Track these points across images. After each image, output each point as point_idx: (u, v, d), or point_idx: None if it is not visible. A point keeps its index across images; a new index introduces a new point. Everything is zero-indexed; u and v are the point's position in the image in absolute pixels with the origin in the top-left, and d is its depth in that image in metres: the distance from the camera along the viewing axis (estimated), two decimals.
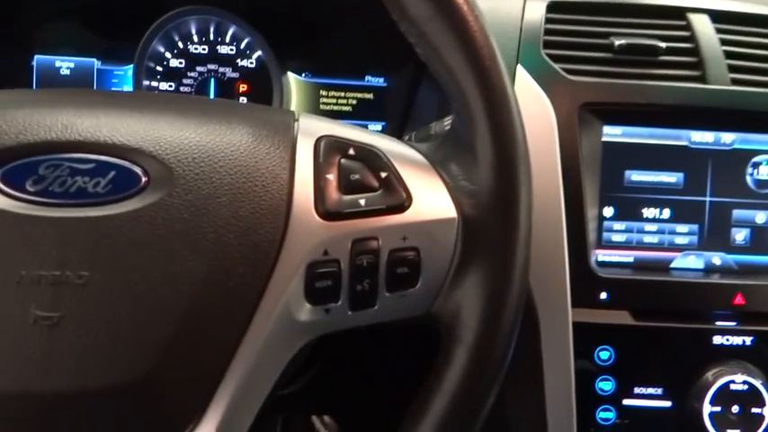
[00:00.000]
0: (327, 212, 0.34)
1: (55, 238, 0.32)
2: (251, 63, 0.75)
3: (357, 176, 0.35)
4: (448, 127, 0.48)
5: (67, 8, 0.72)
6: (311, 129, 0.37)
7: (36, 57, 0.73)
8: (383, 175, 0.36)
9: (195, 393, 0.32)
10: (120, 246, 0.32)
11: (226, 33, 0.74)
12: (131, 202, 0.33)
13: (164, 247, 0.32)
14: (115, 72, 0.74)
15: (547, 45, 0.63)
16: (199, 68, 0.74)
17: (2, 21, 0.70)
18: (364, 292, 0.35)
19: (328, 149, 0.36)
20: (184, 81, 0.74)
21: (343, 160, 0.36)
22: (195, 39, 0.74)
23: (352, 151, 0.36)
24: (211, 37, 0.74)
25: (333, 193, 0.35)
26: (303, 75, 0.77)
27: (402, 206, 0.35)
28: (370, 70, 0.77)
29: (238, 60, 0.74)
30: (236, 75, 0.75)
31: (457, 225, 0.36)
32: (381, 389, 0.69)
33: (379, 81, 0.77)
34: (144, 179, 0.33)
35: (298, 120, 0.37)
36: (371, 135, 0.39)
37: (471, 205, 0.36)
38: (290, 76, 0.76)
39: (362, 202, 0.35)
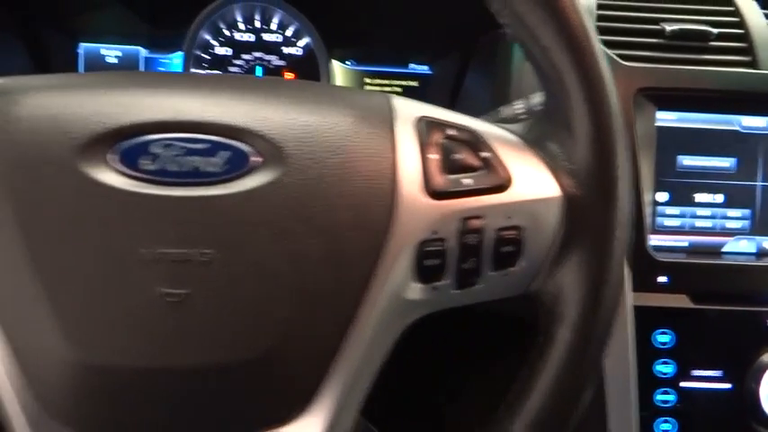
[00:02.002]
0: (435, 192, 0.34)
1: (174, 216, 0.32)
2: (297, 51, 0.75)
3: (459, 156, 0.36)
4: (537, 108, 0.48)
5: None
6: (407, 110, 0.37)
7: (82, 45, 0.73)
8: (484, 155, 0.36)
9: (312, 371, 0.33)
10: (240, 224, 0.32)
11: (271, 21, 0.74)
12: (245, 181, 0.33)
13: (280, 225, 0.32)
14: (161, 60, 0.74)
15: (600, 32, 0.63)
16: (245, 56, 0.74)
17: (49, 9, 0.70)
18: (470, 270, 0.35)
19: (429, 130, 0.36)
20: (231, 69, 0.74)
21: (444, 141, 0.36)
22: (241, 26, 0.74)
23: (451, 132, 0.36)
24: (257, 24, 0.74)
25: (437, 172, 0.35)
26: (347, 62, 0.77)
27: (505, 185, 0.36)
28: (414, 58, 0.77)
29: (284, 48, 0.75)
30: (282, 62, 0.75)
31: (559, 204, 0.36)
32: (408, 386, 0.70)
33: (423, 69, 0.77)
34: (255, 159, 0.33)
35: (391, 101, 0.38)
36: (464, 116, 0.39)
37: (572, 184, 0.36)
38: (335, 63, 0.76)
39: (468, 181, 0.35)
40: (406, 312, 0.35)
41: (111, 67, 0.73)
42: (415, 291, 0.35)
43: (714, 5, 0.66)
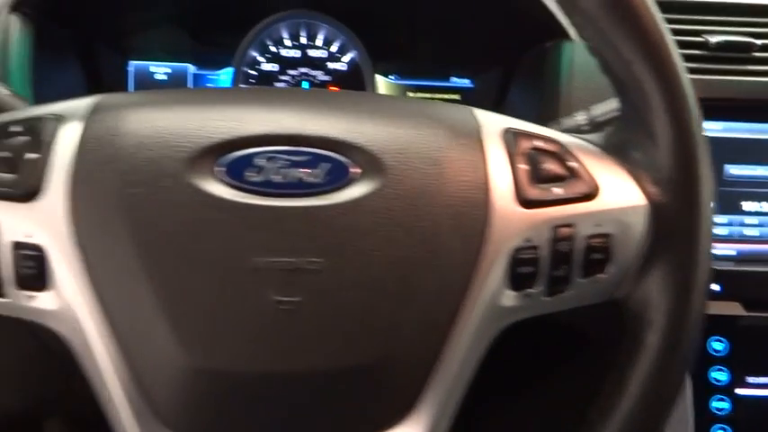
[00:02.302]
0: (526, 201, 0.35)
1: (282, 226, 0.33)
2: (342, 66, 0.76)
3: (547, 166, 0.37)
4: (605, 117, 0.49)
5: (165, 15, 0.74)
6: (492, 121, 0.38)
7: (132, 62, 0.74)
8: (571, 164, 0.37)
9: (414, 377, 0.34)
10: (345, 233, 0.33)
11: (317, 37, 0.75)
12: (347, 191, 0.34)
13: (385, 234, 0.33)
14: (209, 76, 0.76)
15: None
16: (291, 72, 0.75)
17: (103, 27, 0.71)
18: (561, 277, 0.36)
19: (516, 141, 0.37)
20: (277, 84, 0.75)
21: (531, 151, 0.37)
22: (288, 43, 0.75)
23: (537, 143, 0.37)
24: (303, 41, 0.75)
25: (528, 182, 0.36)
26: (391, 76, 0.78)
27: (593, 194, 0.37)
28: (456, 71, 0.78)
29: (329, 63, 0.76)
30: (327, 77, 0.76)
31: (645, 212, 0.37)
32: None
33: (464, 82, 0.78)
34: (355, 170, 0.34)
35: (474, 113, 0.39)
36: (543, 128, 0.40)
37: (657, 192, 0.37)
38: (378, 77, 0.77)
39: (558, 190, 0.36)
40: (499, 319, 0.36)
41: (159, 83, 0.75)
42: (509, 298, 0.36)
43: (757, 17, 0.67)
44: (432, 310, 0.34)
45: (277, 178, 0.34)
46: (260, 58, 0.75)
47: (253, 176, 0.34)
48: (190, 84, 0.75)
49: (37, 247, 0.33)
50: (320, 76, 0.76)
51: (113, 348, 0.32)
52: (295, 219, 0.33)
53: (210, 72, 0.76)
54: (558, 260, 0.36)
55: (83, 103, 0.36)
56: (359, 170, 0.34)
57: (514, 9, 0.67)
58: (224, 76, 0.76)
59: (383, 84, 0.78)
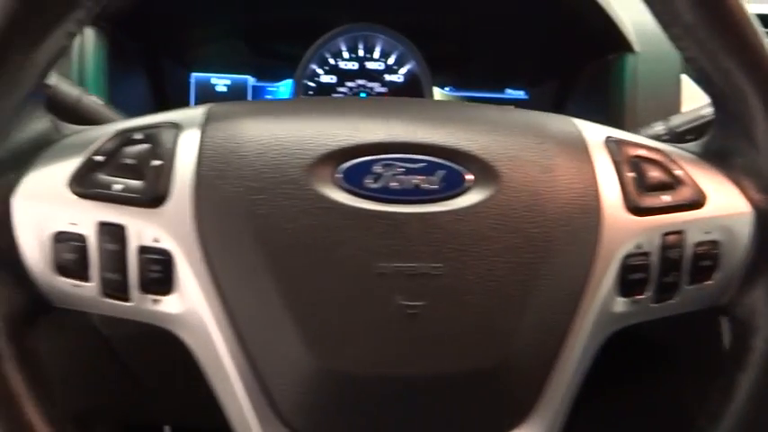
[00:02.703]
0: (637, 208, 0.36)
1: (404, 231, 0.33)
2: (398, 78, 0.77)
3: (653, 174, 0.37)
4: (686, 127, 0.50)
5: (227, 29, 0.75)
6: (593, 130, 0.39)
7: (193, 75, 0.75)
8: (676, 172, 0.38)
9: (532, 382, 0.34)
10: (465, 239, 0.33)
11: (374, 49, 0.76)
12: (463, 198, 0.34)
13: (503, 239, 0.34)
14: (268, 88, 0.77)
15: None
16: (349, 84, 0.76)
17: (168, 41, 0.73)
18: (670, 284, 0.36)
19: (619, 149, 0.38)
20: (335, 96, 0.76)
21: (635, 159, 0.37)
22: (345, 55, 0.76)
23: (641, 151, 0.38)
24: (361, 53, 0.76)
25: (635, 189, 0.36)
26: (446, 88, 0.79)
27: (701, 201, 0.37)
28: (511, 83, 0.79)
29: (386, 75, 0.77)
30: (384, 89, 0.77)
31: (751, 218, 0.37)
32: None
33: (519, 94, 0.79)
34: (469, 177, 0.35)
35: (574, 122, 0.39)
36: (638, 136, 0.41)
37: (762, 199, 0.37)
38: (434, 89, 0.78)
39: (666, 198, 0.37)
40: (609, 325, 0.36)
41: (220, 95, 0.76)
42: (619, 304, 0.36)
43: None
44: (549, 315, 0.34)
45: (394, 185, 0.34)
46: (318, 70, 0.76)
47: (371, 183, 0.34)
48: (249, 96, 0.77)
49: (164, 252, 0.33)
50: (377, 87, 0.77)
51: (237, 350, 0.33)
52: (416, 224, 0.33)
53: (270, 84, 0.77)
54: (667, 267, 0.36)
55: (196, 113, 0.37)
56: (472, 177, 0.35)
57: (577, 22, 0.68)
58: (283, 88, 0.77)
59: (439, 95, 0.79)
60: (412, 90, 0.76)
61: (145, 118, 0.38)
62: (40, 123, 0.36)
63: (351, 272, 0.33)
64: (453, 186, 0.35)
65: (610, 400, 0.69)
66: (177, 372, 0.69)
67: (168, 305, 0.34)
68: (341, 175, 0.34)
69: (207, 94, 0.76)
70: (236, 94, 0.76)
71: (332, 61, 0.76)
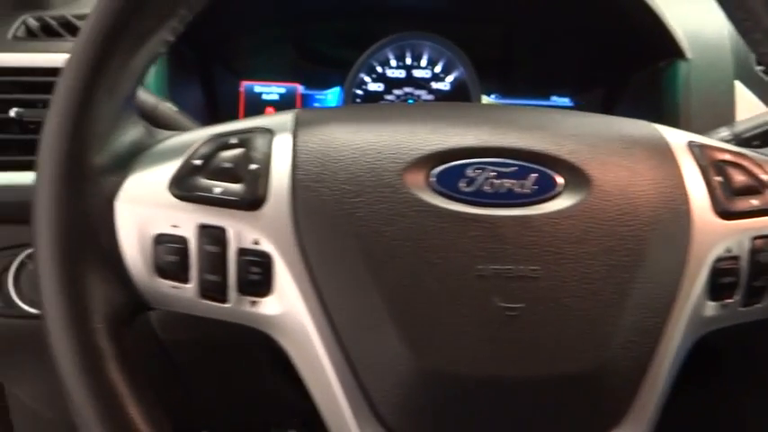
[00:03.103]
0: (726, 212, 0.36)
1: (500, 234, 0.34)
2: (445, 86, 0.77)
3: (739, 178, 0.37)
4: (753, 132, 0.50)
5: (277, 38, 0.76)
6: (675, 135, 0.39)
7: (243, 83, 0.76)
8: (762, 177, 0.38)
9: (627, 385, 0.34)
10: (559, 242, 0.34)
11: (422, 57, 0.77)
12: (557, 202, 0.35)
13: (597, 242, 0.34)
14: (317, 96, 0.78)
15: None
16: (396, 92, 0.77)
17: (221, 49, 0.74)
18: (759, 288, 0.37)
19: (705, 154, 0.38)
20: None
21: (719, 163, 0.38)
22: (393, 63, 0.77)
23: (724, 155, 0.38)
24: (408, 61, 0.77)
25: (723, 193, 0.37)
26: (491, 95, 0.79)
27: None
28: (556, 90, 0.79)
29: (433, 83, 0.77)
30: (430, 97, 0.77)
31: None
32: None
33: (564, 101, 0.80)
34: (560, 181, 0.35)
35: (655, 127, 0.40)
36: (716, 141, 0.41)
37: None
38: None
39: (755, 202, 0.37)
40: (699, 328, 0.36)
41: (269, 103, 0.77)
42: (709, 308, 0.36)
43: None
44: (644, 317, 0.34)
45: (487, 189, 0.35)
46: (366, 78, 0.76)
47: (465, 187, 0.35)
48: (298, 103, 0.77)
49: (263, 254, 0.34)
50: (424, 95, 0.78)
51: (336, 351, 0.33)
52: (511, 228, 0.34)
53: (318, 92, 0.78)
54: (757, 271, 0.36)
55: (285, 118, 0.38)
56: (563, 181, 0.35)
57: (628, 28, 0.68)
58: (331, 96, 0.78)
59: (485, 102, 0.79)
60: (459, 97, 0.77)
61: (235, 123, 0.38)
62: (135, 129, 0.37)
63: (450, 274, 0.33)
64: (546, 190, 0.35)
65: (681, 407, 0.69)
66: (225, 381, 0.69)
67: (266, 307, 0.35)
68: (434, 179, 0.35)
69: (256, 102, 0.77)
70: (285, 102, 0.77)
71: (379, 69, 0.77)
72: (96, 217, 0.34)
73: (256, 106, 0.77)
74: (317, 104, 0.78)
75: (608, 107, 0.77)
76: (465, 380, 0.33)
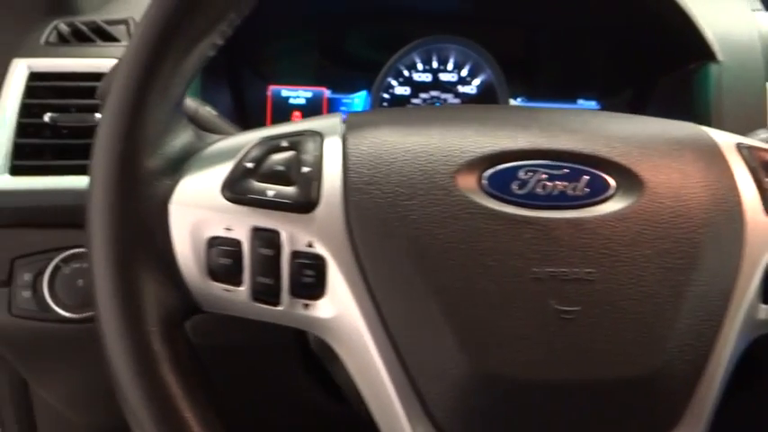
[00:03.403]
0: None
1: (555, 237, 0.34)
2: (472, 89, 0.77)
3: None
4: None
5: (304, 43, 0.76)
6: (722, 136, 0.39)
7: (270, 87, 0.77)
8: None
9: (682, 388, 0.34)
10: (615, 245, 0.34)
11: (448, 61, 0.77)
12: (609, 204, 0.35)
13: (652, 245, 0.34)
14: (343, 100, 0.78)
15: None
16: (422, 95, 0.77)
17: (249, 54, 0.74)
18: None
19: (754, 155, 0.38)
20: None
21: None
22: (419, 67, 0.77)
23: None
24: (434, 65, 0.77)
25: None
26: (517, 99, 0.79)
27: None
28: (582, 93, 0.79)
29: (459, 87, 0.77)
30: (457, 101, 0.77)
31: None
32: None
33: (591, 104, 0.79)
34: (612, 183, 0.35)
35: (703, 128, 0.40)
36: (760, 142, 0.41)
37: None
38: None
39: None
40: (752, 331, 0.36)
41: (296, 107, 0.77)
42: (762, 311, 0.36)
43: None
44: (699, 320, 0.34)
45: (540, 191, 0.35)
46: (393, 82, 0.77)
47: (517, 189, 0.35)
48: (324, 107, 0.78)
49: (316, 257, 0.34)
50: (450, 99, 0.78)
51: (389, 354, 0.33)
52: (566, 230, 0.34)
53: (345, 96, 0.78)
54: None
55: (333, 121, 0.38)
56: (615, 183, 0.35)
57: (657, 29, 0.68)
58: (357, 100, 0.78)
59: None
60: (486, 101, 0.77)
61: (283, 126, 0.38)
62: (185, 133, 0.37)
63: (505, 276, 0.33)
64: (598, 192, 0.35)
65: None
66: (249, 384, 0.69)
67: (318, 309, 0.35)
68: (486, 182, 0.35)
69: (283, 106, 0.77)
70: (311, 106, 0.77)
71: (406, 73, 0.77)
72: (150, 220, 0.34)
73: (283, 110, 0.77)
74: (343, 108, 0.78)
75: (635, 110, 0.76)
76: (520, 383, 0.33)
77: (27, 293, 0.59)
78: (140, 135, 0.33)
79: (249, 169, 0.35)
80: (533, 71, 0.80)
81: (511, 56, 0.77)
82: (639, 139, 0.37)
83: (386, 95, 0.77)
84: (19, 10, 0.69)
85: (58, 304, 0.58)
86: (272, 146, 0.36)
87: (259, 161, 0.36)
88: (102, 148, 0.33)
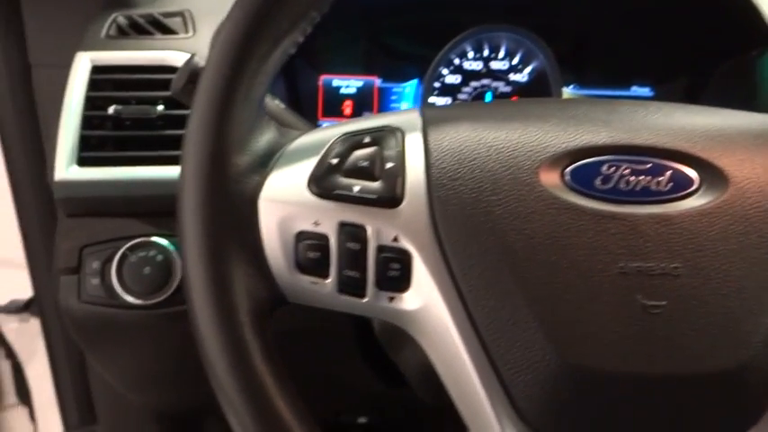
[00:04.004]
0: None
1: (641, 232, 0.34)
2: (523, 77, 0.77)
3: None
4: None
5: (355, 32, 0.77)
6: None
7: (322, 77, 0.77)
8: None
9: (766, 384, 0.34)
10: (699, 240, 0.34)
11: (499, 49, 0.77)
12: (694, 199, 0.35)
13: (739, 240, 0.34)
14: (394, 89, 0.78)
15: None
16: (473, 84, 0.77)
17: (302, 45, 0.75)
18: None
19: None
20: (459, 96, 0.77)
21: None
22: (470, 55, 0.77)
23: None
24: (485, 53, 0.77)
25: None
26: (570, 87, 0.79)
27: None
28: (635, 80, 0.78)
29: (511, 75, 0.77)
30: (508, 89, 0.77)
31: None
32: None
33: (645, 91, 0.79)
34: (696, 178, 0.35)
35: None
36: None
37: None
38: None
39: None
40: None
41: (347, 96, 0.77)
42: None
43: None
44: None
45: (623, 186, 0.35)
46: (443, 71, 0.77)
47: (600, 184, 0.35)
48: (375, 97, 0.78)
49: (402, 251, 0.35)
50: (501, 87, 0.78)
51: (474, 345, 0.34)
52: (651, 225, 0.34)
53: (395, 85, 0.78)
54: None
55: (412, 116, 0.38)
56: (699, 178, 0.35)
57: (717, 15, 0.67)
58: (408, 89, 0.78)
59: (564, 94, 0.78)
60: (537, 89, 0.77)
61: (362, 121, 0.39)
62: (269, 129, 0.38)
63: (592, 271, 0.33)
64: (681, 187, 0.35)
65: None
66: (307, 372, 0.71)
67: (403, 302, 0.36)
68: (569, 177, 0.35)
69: (335, 96, 0.78)
70: (363, 95, 0.78)
71: (456, 61, 0.77)
72: (240, 216, 0.35)
73: (335, 100, 0.78)
74: (394, 98, 0.78)
75: (691, 97, 0.75)
76: (606, 376, 0.33)
77: (96, 281, 0.61)
78: (229, 134, 0.34)
79: (334, 165, 0.36)
80: (586, 58, 0.79)
81: (561, 43, 0.77)
82: (721, 133, 0.37)
83: (436, 84, 0.77)
84: (80, 4, 0.70)
85: (125, 291, 0.60)
86: (354, 141, 0.37)
87: (343, 157, 0.36)
88: (193, 148, 0.34)
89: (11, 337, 1.02)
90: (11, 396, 1.13)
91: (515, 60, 0.77)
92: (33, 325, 0.98)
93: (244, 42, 0.35)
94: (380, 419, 0.97)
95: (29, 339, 1.00)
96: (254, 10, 0.35)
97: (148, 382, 0.77)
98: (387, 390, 0.73)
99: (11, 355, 1.05)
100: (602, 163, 0.35)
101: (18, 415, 1.14)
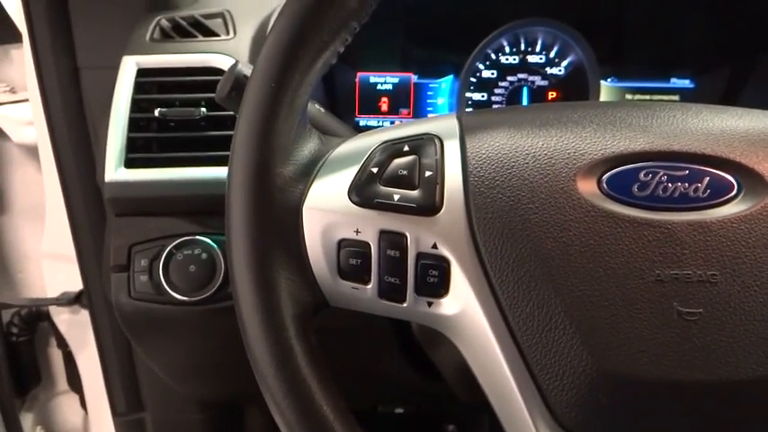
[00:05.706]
0: None
1: (678, 239, 0.34)
2: (560, 71, 0.77)
3: None
4: None
5: (391, 29, 0.77)
6: None
7: (359, 74, 0.78)
8: None
9: None
10: (739, 247, 0.34)
11: (536, 43, 0.77)
12: (732, 206, 0.35)
13: None
14: (430, 85, 0.78)
15: None
16: (510, 78, 0.77)
17: None
18: None
19: None
20: (496, 91, 0.77)
21: None
22: (507, 50, 0.77)
23: None
24: (522, 47, 0.77)
25: None
26: (608, 79, 0.78)
27: None
28: (675, 71, 0.77)
29: (547, 69, 0.77)
30: (545, 83, 0.77)
31: None
32: None
33: (685, 83, 0.77)
34: (735, 184, 0.35)
35: None
36: None
37: None
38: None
39: None
40: None
41: (383, 93, 0.78)
42: None
43: None
44: None
45: (660, 193, 0.35)
46: (480, 66, 0.77)
47: (637, 191, 0.35)
48: (411, 93, 0.79)
49: (441, 258, 0.36)
50: (538, 81, 0.77)
51: (511, 350, 0.35)
52: (688, 232, 0.34)
53: (431, 80, 0.78)
54: None
55: (450, 123, 0.39)
56: (737, 184, 0.35)
57: (763, 3, 0.65)
58: (444, 85, 0.78)
59: (601, 88, 0.78)
60: (575, 82, 0.76)
61: (400, 129, 0.40)
62: (312, 138, 0.39)
63: (628, 278, 0.34)
64: (719, 194, 0.35)
65: None
66: (346, 367, 0.72)
67: (441, 307, 0.36)
68: (605, 184, 0.35)
69: (371, 92, 0.78)
70: (399, 91, 0.78)
71: (493, 56, 0.77)
72: (285, 224, 0.36)
73: (371, 96, 0.78)
74: (430, 93, 0.79)
75: (733, 89, 0.74)
76: (643, 383, 0.34)
77: (144, 277, 0.63)
78: (274, 145, 0.36)
79: (374, 174, 0.37)
80: (623, 49, 0.78)
81: (600, 34, 0.76)
82: (762, 138, 0.36)
83: (472, 79, 0.77)
84: (125, 7, 0.72)
85: (171, 288, 0.62)
86: (394, 150, 0.38)
87: (382, 165, 0.37)
88: (240, 159, 0.36)
89: (62, 327, 1.06)
90: (62, 384, 1.18)
91: (552, 54, 0.77)
92: (83, 316, 1.03)
93: (287, 55, 0.36)
94: (416, 410, 0.98)
95: (79, 330, 1.04)
96: (297, 23, 0.36)
97: (193, 373, 0.79)
98: (423, 382, 0.74)
99: (62, 344, 1.10)
100: (639, 170, 0.35)
101: (69, 402, 1.19)
